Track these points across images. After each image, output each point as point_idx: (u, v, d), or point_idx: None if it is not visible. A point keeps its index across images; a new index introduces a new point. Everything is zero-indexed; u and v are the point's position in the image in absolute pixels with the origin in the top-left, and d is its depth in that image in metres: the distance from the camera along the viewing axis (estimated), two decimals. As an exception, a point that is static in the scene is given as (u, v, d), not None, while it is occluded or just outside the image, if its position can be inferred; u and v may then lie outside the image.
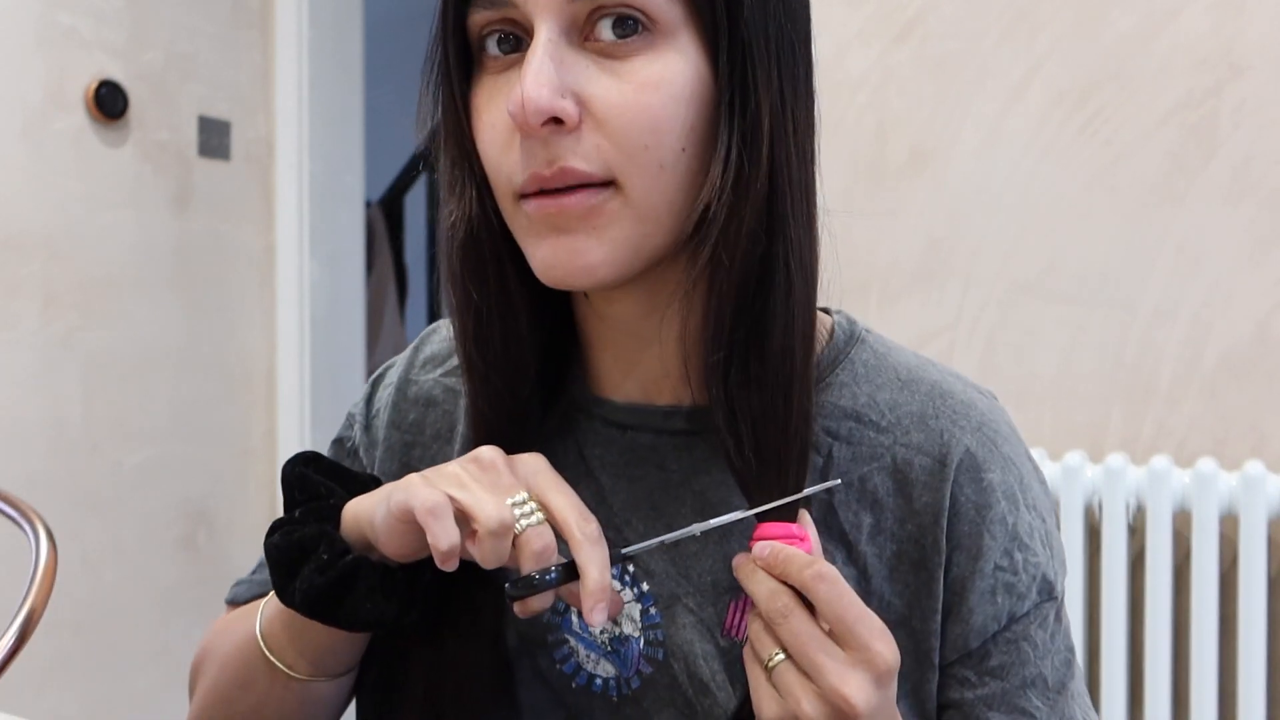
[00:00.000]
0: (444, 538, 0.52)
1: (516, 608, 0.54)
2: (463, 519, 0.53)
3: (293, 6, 2.52)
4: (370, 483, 0.62)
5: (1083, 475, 1.61)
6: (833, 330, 0.66)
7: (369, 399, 0.75)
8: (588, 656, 0.63)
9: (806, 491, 0.56)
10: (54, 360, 2.12)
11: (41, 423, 2.11)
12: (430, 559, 0.55)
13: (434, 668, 0.62)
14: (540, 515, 0.53)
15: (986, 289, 1.77)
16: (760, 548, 0.54)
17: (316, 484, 0.61)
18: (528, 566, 0.53)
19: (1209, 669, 1.53)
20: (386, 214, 3.79)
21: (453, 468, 0.56)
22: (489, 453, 0.56)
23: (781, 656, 0.52)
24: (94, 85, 2.15)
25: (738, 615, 0.59)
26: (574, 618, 0.64)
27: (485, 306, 0.60)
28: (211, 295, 2.43)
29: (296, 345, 2.55)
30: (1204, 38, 1.63)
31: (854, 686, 0.50)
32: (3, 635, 0.82)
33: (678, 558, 0.62)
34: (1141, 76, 1.66)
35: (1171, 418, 1.66)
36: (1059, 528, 0.67)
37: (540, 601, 0.54)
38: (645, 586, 0.63)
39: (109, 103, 2.17)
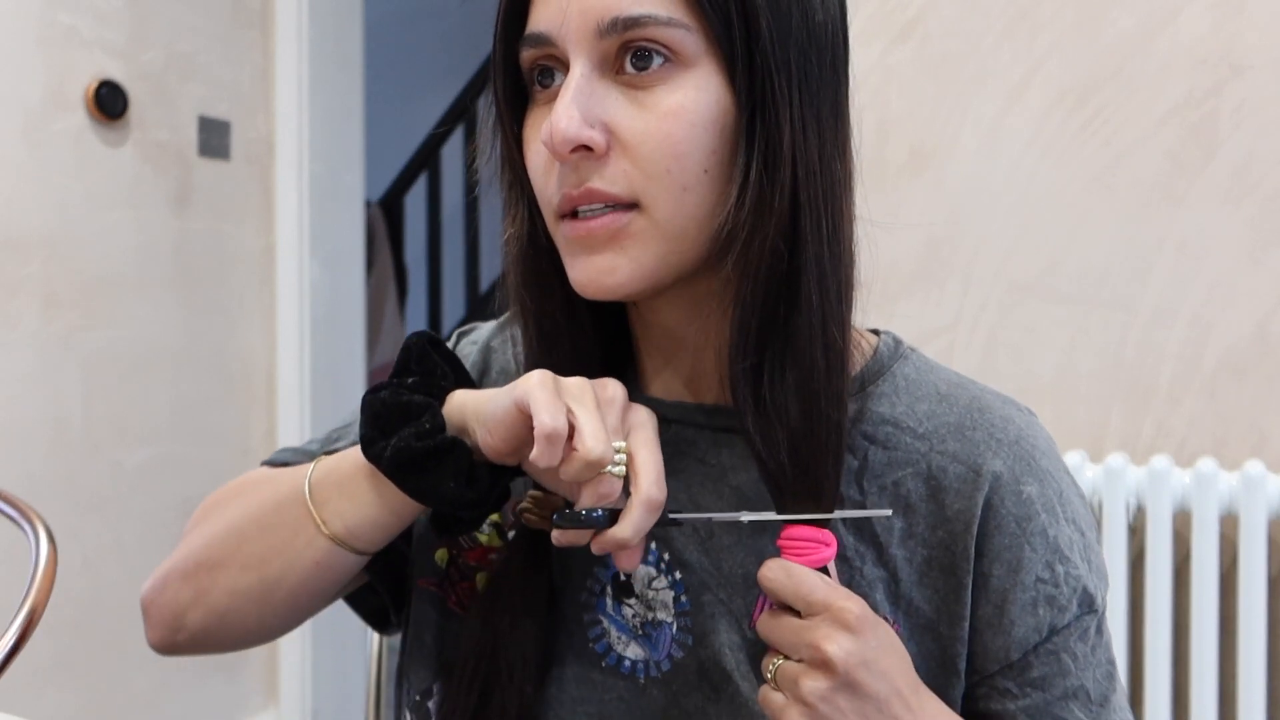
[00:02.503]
0: (546, 459, 0.55)
1: (556, 535, 0.58)
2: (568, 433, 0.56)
3: (293, 6, 2.52)
4: (473, 386, 0.66)
5: (1083, 475, 1.61)
6: (877, 347, 0.69)
7: (454, 347, 0.79)
8: (619, 638, 0.66)
9: (858, 513, 0.60)
10: (54, 360, 2.12)
11: (41, 423, 2.11)
12: (509, 470, 0.61)
13: (486, 644, 0.65)
14: (623, 469, 0.57)
15: (986, 289, 1.77)
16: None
17: (435, 363, 0.64)
18: (585, 503, 0.56)
19: (1209, 669, 1.53)
20: (386, 214, 3.79)
21: (577, 383, 0.58)
22: (614, 389, 0.59)
23: (779, 660, 0.57)
24: (94, 85, 2.15)
25: (759, 617, 0.60)
26: (608, 601, 0.67)
27: (550, 311, 0.65)
28: (211, 295, 2.43)
29: (296, 345, 2.55)
30: (1204, 38, 1.63)
31: (823, 638, 0.54)
32: (3, 635, 0.82)
33: (711, 550, 0.65)
34: (1141, 76, 1.66)
35: (1171, 418, 1.66)
36: None
37: (578, 536, 0.58)
38: (679, 575, 0.65)
39: (109, 103, 2.18)
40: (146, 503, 2.29)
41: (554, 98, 0.60)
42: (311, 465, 0.66)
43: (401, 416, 0.60)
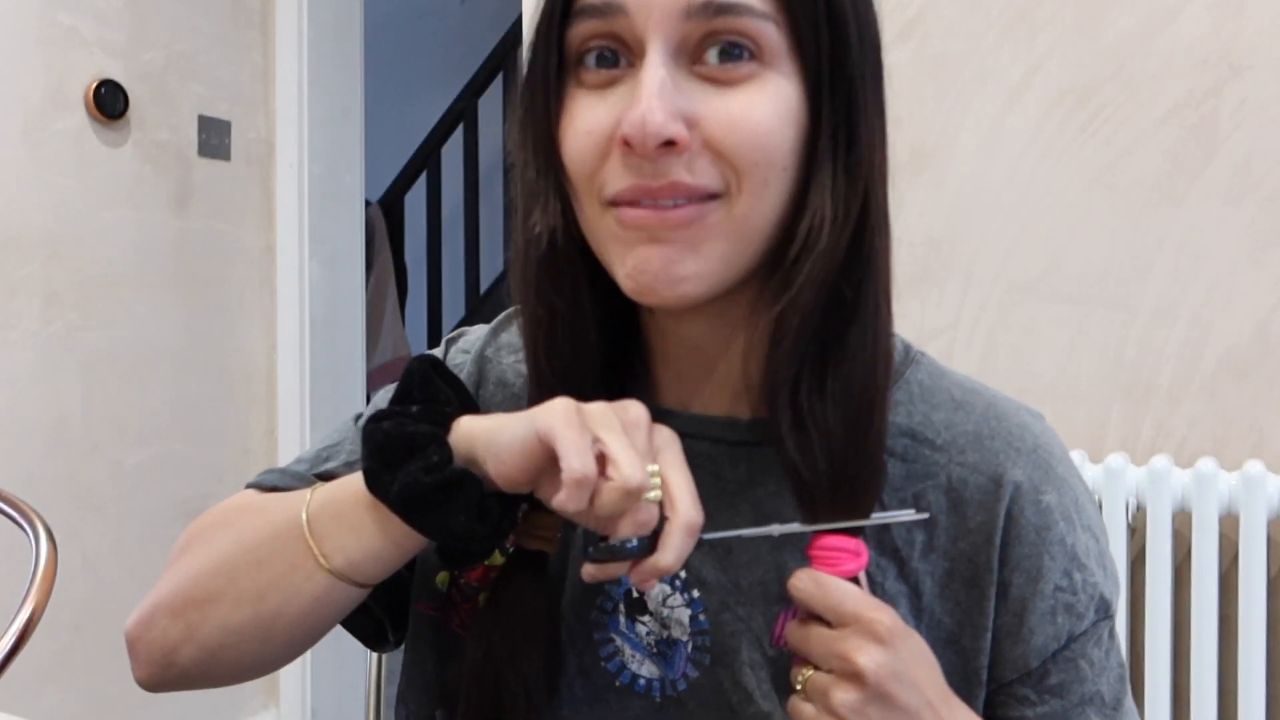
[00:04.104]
0: (575, 503, 0.51)
1: (592, 569, 0.54)
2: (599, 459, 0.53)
3: (293, 6, 2.52)
4: (477, 411, 0.62)
5: (1083, 475, 1.61)
6: None
7: (444, 355, 0.76)
8: (633, 656, 0.65)
9: (890, 517, 0.59)
10: (54, 360, 2.12)
11: (41, 423, 2.11)
12: (519, 498, 0.57)
13: (488, 669, 0.63)
14: (659, 492, 0.53)
15: (986, 289, 1.77)
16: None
17: (439, 388, 0.61)
18: (623, 533, 0.53)
19: (1209, 669, 1.53)
20: (386, 214, 3.79)
21: (601, 409, 0.55)
22: (637, 411, 0.56)
23: (809, 671, 0.56)
24: (94, 85, 2.15)
25: (787, 625, 0.60)
26: (621, 618, 0.65)
27: (557, 314, 0.61)
28: (211, 295, 2.43)
29: (296, 345, 2.55)
30: (1204, 38, 1.63)
31: (854, 649, 0.54)
32: (3, 635, 0.82)
33: (729, 567, 0.64)
34: (1141, 76, 1.66)
35: (1171, 418, 1.66)
36: None
37: (615, 569, 0.54)
38: (696, 593, 0.64)
39: (109, 103, 2.18)
40: (146, 503, 2.29)
41: (608, 82, 0.57)
42: (309, 494, 0.62)
43: (407, 449, 0.57)
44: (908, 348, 0.68)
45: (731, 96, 0.56)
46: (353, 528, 0.59)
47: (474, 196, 3.93)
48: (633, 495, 0.51)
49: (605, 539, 0.53)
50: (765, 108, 0.55)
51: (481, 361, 0.75)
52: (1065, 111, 1.71)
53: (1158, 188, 1.66)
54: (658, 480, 0.53)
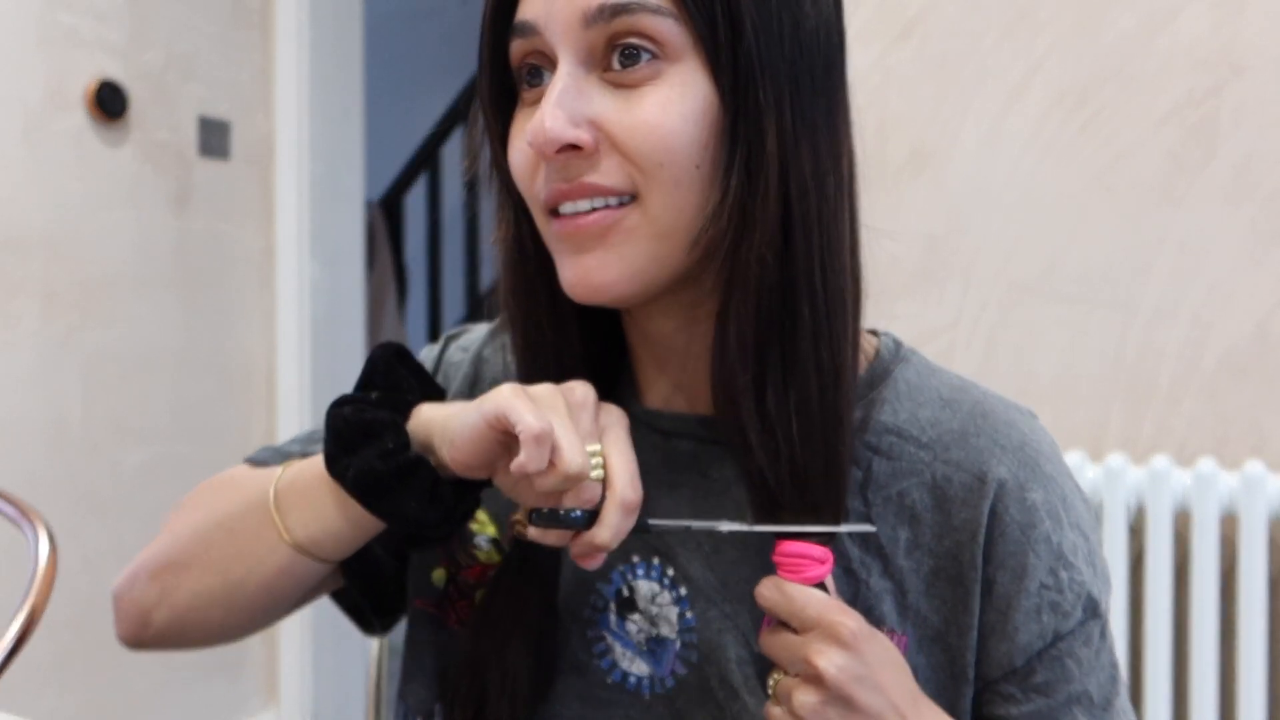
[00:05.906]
0: (534, 463, 0.54)
1: (533, 533, 0.57)
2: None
3: (293, 6, 2.52)
4: (441, 398, 0.64)
5: (1083, 475, 1.61)
6: (878, 350, 0.68)
7: (442, 351, 0.79)
8: (623, 654, 0.65)
9: (832, 528, 0.59)
10: (54, 360, 2.12)
11: (41, 423, 2.11)
12: (477, 484, 0.60)
13: (477, 662, 0.64)
14: (601, 472, 0.56)
15: (986, 289, 1.77)
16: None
17: (401, 377, 0.63)
18: (567, 504, 0.56)
19: (1209, 669, 1.53)
20: (386, 214, 3.79)
21: (548, 392, 0.57)
22: (583, 391, 0.58)
23: (779, 675, 0.57)
24: (94, 85, 2.15)
25: (761, 633, 0.60)
26: (612, 616, 0.66)
27: (536, 319, 0.64)
28: (211, 295, 2.43)
29: (296, 345, 2.55)
30: (1204, 38, 1.63)
31: (815, 653, 0.54)
32: (3, 635, 0.82)
33: (716, 565, 0.64)
34: (1141, 76, 1.66)
35: (1171, 418, 1.66)
36: None
37: (556, 536, 0.57)
38: (683, 590, 0.64)
39: (109, 103, 2.17)
40: (146, 503, 2.29)
41: (539, 98, 0.59)
42: (280, 470, 0.65)
43: (364, 434, 0.59)
44: (898, 345, 0.68)
45: (635, 99, 0.57)
46: (314, 505, 0.62)
47: (474, 196, 3.93)
48: (571, 480, 0.54)
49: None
50: (667, 109, 0.56)
51: (479, 361, 0.76)
52: (1065, 111, 1.71)
53: (1158, 188, 1.66)
54: (600, 460, 0.56)
